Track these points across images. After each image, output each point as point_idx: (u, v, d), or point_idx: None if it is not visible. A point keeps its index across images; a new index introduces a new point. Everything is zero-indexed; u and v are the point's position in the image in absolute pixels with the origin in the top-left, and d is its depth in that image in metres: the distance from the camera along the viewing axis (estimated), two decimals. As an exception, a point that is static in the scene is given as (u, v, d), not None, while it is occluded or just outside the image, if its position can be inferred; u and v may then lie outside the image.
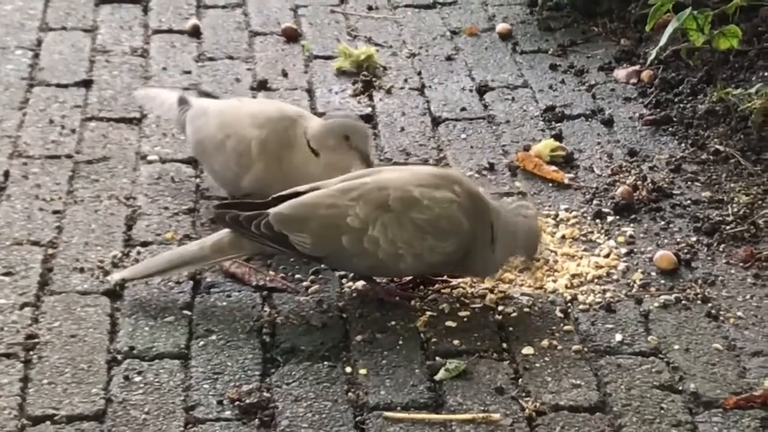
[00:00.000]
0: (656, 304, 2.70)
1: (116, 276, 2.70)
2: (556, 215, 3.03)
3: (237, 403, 2.38)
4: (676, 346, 2.57)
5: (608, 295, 2.74)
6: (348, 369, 2.49)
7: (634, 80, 3.71)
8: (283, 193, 2.69)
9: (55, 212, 2.99)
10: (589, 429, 2.34)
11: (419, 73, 3.78)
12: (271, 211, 2.63)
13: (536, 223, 2.71)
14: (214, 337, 2.58)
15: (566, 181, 3.18)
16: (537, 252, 2.73)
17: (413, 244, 2.60)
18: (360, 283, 2.75)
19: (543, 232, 2.85)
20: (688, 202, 3.09)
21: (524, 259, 2.72)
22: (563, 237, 2.93)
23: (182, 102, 3.11)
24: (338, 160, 2.85)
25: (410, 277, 2.74)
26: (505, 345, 2.57)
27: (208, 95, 3.25)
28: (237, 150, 2.91)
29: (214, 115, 3.01)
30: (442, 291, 2.73)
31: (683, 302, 2.71)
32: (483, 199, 2.66)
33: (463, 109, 3.56)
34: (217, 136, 2.95)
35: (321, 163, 2.86)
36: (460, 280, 2.76)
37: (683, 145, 3.36)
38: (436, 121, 3.50)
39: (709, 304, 2.71)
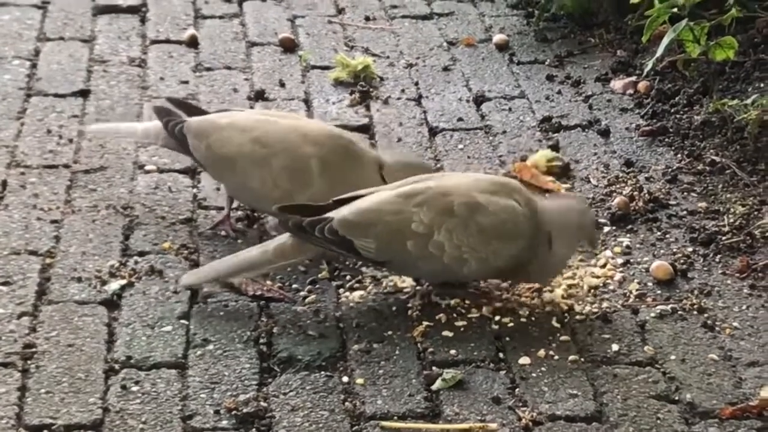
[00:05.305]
0: (653, 315, 2.71)
1: (182, 281, 2.72)
2: (553, 225, 3.03)
3: (234, 412, 2.38)
4: (673, 357, 2.58)
5: (605, 305, 2.74)
6: (345, 378, 2.50)
7: (630, 91, 3.72)
8: (343, 196, 2.69)
9: (53, 222, 2.99)
10: (585, 439, 2.35)
11: (416, 84, 3.78)
12: (335, 216, 2.64)
13: (585, 207, 2.80)
14: (211, 346, 2.58)
15: (563, 191, 3.18)
16: (597, 236, 2.81)
17: (478, 248, 2.63)
18: (357, 294, 2.76)
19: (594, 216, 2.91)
20: (685, 212, 3.10)
21: (587, 244, 2.76)
22: (560, 247, 2.94)
23: (164, 113, 3.00)
24: None
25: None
26: (501, 355, 2.58)
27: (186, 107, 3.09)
28: (291, 167, 2.85)
29: (239, 129, 2.91)
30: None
31: (679, 312, 2.72)
32: (537, 207, 2.69)
33: (460, 119, 3.56)
34: (257, 152, 2.88)
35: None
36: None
37: (679, 155, 3.36)
38: (433, 132, 3.50)
39: (706, 315, 2.71)
